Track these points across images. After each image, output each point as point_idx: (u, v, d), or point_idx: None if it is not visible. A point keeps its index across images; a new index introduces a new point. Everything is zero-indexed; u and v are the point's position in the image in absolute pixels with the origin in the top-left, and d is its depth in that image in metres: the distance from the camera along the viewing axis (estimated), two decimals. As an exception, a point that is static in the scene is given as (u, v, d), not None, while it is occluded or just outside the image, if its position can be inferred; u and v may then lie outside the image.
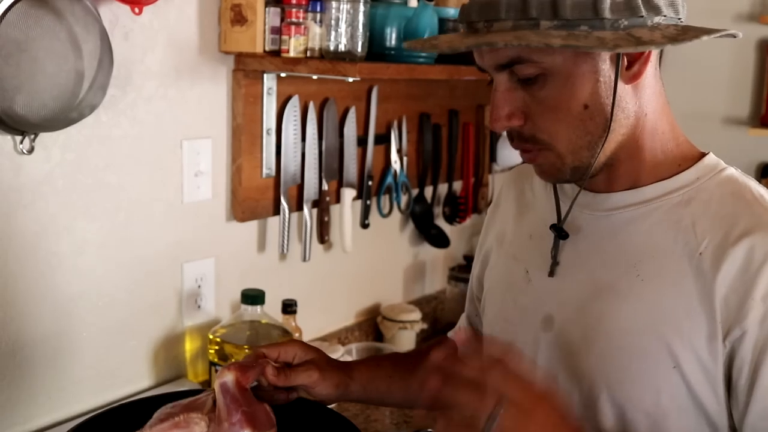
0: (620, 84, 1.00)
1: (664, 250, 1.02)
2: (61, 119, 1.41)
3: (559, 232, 1.10)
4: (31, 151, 1.42)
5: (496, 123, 1.02)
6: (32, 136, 1.42)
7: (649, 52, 1.01)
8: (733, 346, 0.97)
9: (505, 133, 2.74)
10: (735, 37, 1.02)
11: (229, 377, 1.12)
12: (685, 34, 0.97)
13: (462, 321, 1.42)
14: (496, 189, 2.73)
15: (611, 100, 1.00)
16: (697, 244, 1.00)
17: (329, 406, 1.32)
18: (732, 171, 1.06)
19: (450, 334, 1.43)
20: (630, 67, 1.00)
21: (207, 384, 1.78)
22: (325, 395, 1.23)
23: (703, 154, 1.08)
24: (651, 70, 1.03)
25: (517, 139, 1.03)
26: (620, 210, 1.07)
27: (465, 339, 0.97)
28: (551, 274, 1.10)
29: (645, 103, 1.04)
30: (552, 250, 1.11)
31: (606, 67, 0.99)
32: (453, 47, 1.00)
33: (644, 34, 0.96)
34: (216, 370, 1.70)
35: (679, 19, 1.00)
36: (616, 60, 0.99)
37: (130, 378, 1.71)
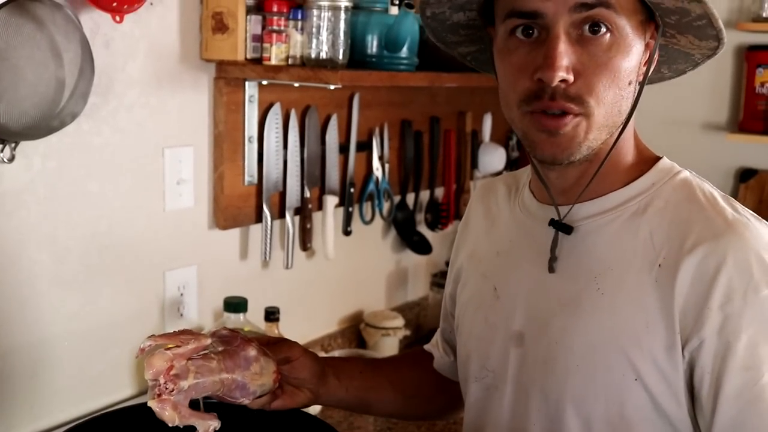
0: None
1: (624, 263, 1.02)
2: (42, 127, 1.41)
3: (560, 226, 1.08)
4: (11, 159, 1.42)
5: (554, 72, 0.95)
6: (13, 145, 1.41)
7: (657, 56, 1.03)
8: (692, 355, 0.97)
9: (486, 140, 2.74)
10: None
11: (219, 328, 1.14)
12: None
13: (437, 336, 1.41)
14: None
15: (639, 89, 1.01)
16: (655, 255, 1.00)
17: (313, 414, 1.31)
18: (686, 174, 1.06)
19: (427, 347, 1.42)
20: (648, 63, 1.03)
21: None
22: (308, 371, 1.22)
23: (657, 158, 1.08)
24: None
25: (561, 96, 0.97)
26: (582, 221, 1.06)
27: None
28: (551, 269, 1.08)
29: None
30: (551, 246, 1.08)
31: (643, 54, 1.01)
32: None
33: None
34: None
35: None
36: (647, 51, 1.01)
37: (113, 387, 1.70)
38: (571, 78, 0.96)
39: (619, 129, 1.02)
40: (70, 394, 1.62)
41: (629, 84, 0.99)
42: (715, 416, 0.96)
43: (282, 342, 1.22)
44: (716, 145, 2.88)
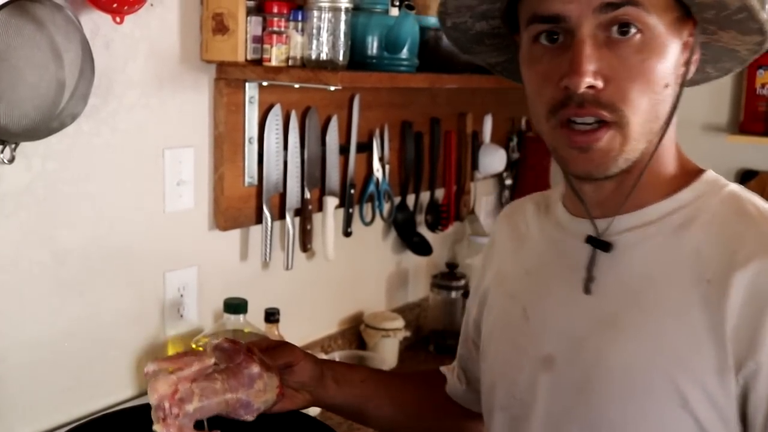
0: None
1: (667, 279, 0.95)
2: (42, 129, 1.41)
3: (598, 244, 1.01)
4: (11, 160, 1.41)
5: (581, 78, 0.89)
6: (13, 146, 1.41)
7: (698, 55, 0.98)
8: (747, 381, 0.89)
9: (487, 142, 2.74)
10: None
11: (220, 340, 1.13)
12: None
13: (456, 359, 1.36)
14: (478, 197, 2.74)
15: (677, 92, 0.95)
16: (702, 270, 0.92)
17: (312, 415, 1.31)
18: (734, 187, 1.00)
19: (442, 368, 1.38)
20: (687, 64, 0.97)
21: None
22: (307, 374, 1.21)
23: (701, 171, 1.02)
24: None
25: (591, 103, 0.91)
26: (621, 235, 1.00)
27: None
28: (587, 291, 1.00)
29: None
30: (587, 264, 1.01)
31: (680, 54, 0.95)
32: None
33: None
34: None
35: None
36: (686, 50, 0.96)
37: (113, 388, 1.70)
38: (600, 84, 0.90)
39: (659, 135, 0.96)
40: (70, 395, 1.62)
41: (666, 87, 0.93)
42: None
43: (282, 347, 1.21)
44: (717, 147, 2.88)
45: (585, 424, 0.98)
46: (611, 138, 0.92)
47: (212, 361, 1.09)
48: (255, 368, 1.11)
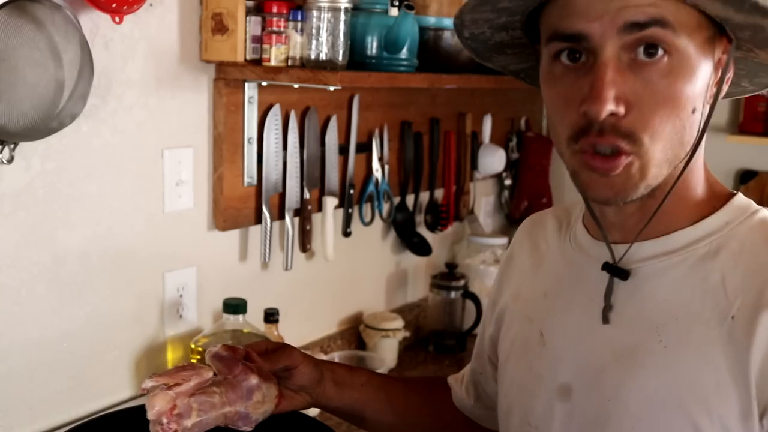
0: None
1: (690, 312, 0.89)
2: (41, 129, 1.41)
3: (615, 271, 0.95)
4: (10, 160, 1.41)
5: (601, 106, 0.83)
6: (12, 146, 1.41)
7: (732, 73, 0.92)
8: None
9: (486, 142, 2.74)
10: None
11: (218, 348, 1.13)
12: None
13: (466, 373, 1.32)
14: (477, 198, 2.74)
15: (706, 114, 0.89)
16: (728, 305, 0.87)
17: (312, 416, 1.31)
18: (765, 213, 0.94)
19: (450, 379, 1.35)
20: (719, 84, 0.91)
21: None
22: (306, 377, 1.20)
23: (732, 194, 0.96)
24: None
25: (610, 131, 0.85)
26: (643, 263, 0.94)
27: None
28: (605, 320, 0.96)
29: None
30: (606, 293, 0.96)
31: (712, 75, 0.89)
32: None
33: None
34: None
35: None
36: (718, 70, 0.90)
37: (112, 388, 1.69)
38: (621, 110, 0.85)
39: (685, 160, 0.91)
40: (69, 395, 1.61)
41: (693, 112, 0.87)
42: None
43: (281, 350, 1.20)
44: (716, 147, 2.86)
45: None
46: (629, 166, 0.87)
47: (210, 374, 1.09)
48: (253, 380, 1.11)
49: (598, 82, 0.84)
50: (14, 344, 1.51)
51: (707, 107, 0.90)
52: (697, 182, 0.95)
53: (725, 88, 0.92)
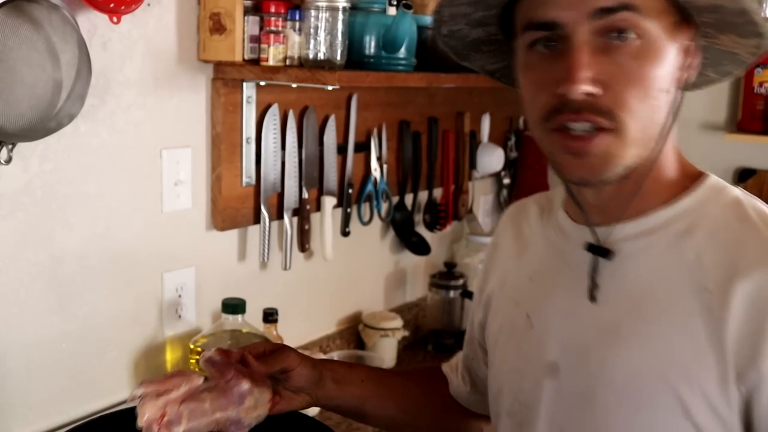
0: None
1: (669, 287, 0.94)
2: (39, 129, 1.40)
3: (599, 251, 1.00)
4: (8, 161, 1.41)
5: (576, 85, 0.88)
6: (10, 146, 1.41)
7: (699, 60, 0.97)
8: (750, 391, 0.88)
9: (485, 141, 2.74)
10: None
11: (212, 352, 1.13)
12: None
13: (459, 361, 1.35)
14: (476, 197, 2.74)
15: (677, 97, 0.94)
16: (704, 279, 0.92)
17: (311, 415, 1.31)
18: (736, 192, 0.98)
19: (445, 368, 1.38)
20: (686, 69, 0.96)
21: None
22: (304, 379, 1.20)
23: (703, 174, 1.01)
24: None
25: (587, 110, 0.90)
26: (623, 243, 0.99)
27: None
28: (592, 299, 1.00)
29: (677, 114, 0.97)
30: (590, 272, 1.00)
31: (679, 58, 0.94)
32: None
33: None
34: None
35: None
36: (686, 55, 0.94)
37: (111, 389, 1.69)
38: (597, 91, 0.89)
39: (659, 142, 0.95)
40: (69, 395, 1.61)
41: (664, 92, 0.92)
42: None
43: (278, 352, 1.20)
44: (715, 145, 2.88)
45: (590, 431, 0.98)
46: (609, 143, 0.91)
47: (201, 380, 1.09)
48: (245, 385, 1.11)
49: (572, 64, 0.89)
50: (13, 345, 1.51)
51: (676, 92, 0.95)
52: (670, 164, 1.00)
53: (693, 73, 0.97)
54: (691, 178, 1.00)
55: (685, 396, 0.90)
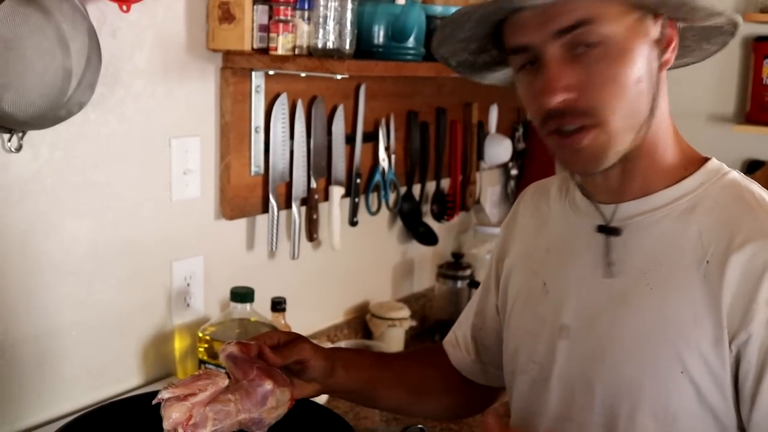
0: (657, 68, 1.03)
1: (672, 259, 1.04)
2: (49, 117, 1.41)
3: (608, 231, 1.10)
4: (19, 149, 1.42)
5: (553, 95, 0.99)
6: (20, 134, 1.41)
7: (676, 42, 1.05)
8: (739, 350, 0.99)
9: (492, 132, 2.74)
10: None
11: (233, 347, 1.14)
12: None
13: (460, 333, 1.42)
14: (483, 187, 2.74)
15: (655, 82, 1.03)
16: (703, 252, 1.02)
17: (320, 403, 1.32)
18: (735, 175, 1.08)
19: (445, 344, 1.43)
20: (662, 53, 1.04)
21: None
22: (318, 371, 1.21)
23: (705, 159, 1.10)
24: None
25: (570, 114, 1.01)
26: (631, 219, 1.09)
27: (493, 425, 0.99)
28: (610, 275, 1.10)
29: (663, 96, 1.06)
30: (604, 251, 1.11)
31: (650, 48, 1.02)
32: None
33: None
34: (205, 368, 1.70)
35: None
36: (657, 43, 1.03)
37: (120, 376, 1.70)
38: (572, 96, 0.99)
39: (646, 125, 1.04)
40: (78, 383, 1.62)
41: (638, 83, 1.01)
42: (755, 405, 0.99)
43: (292, 343, 1.20)
44: (723, 137, 2.87)
45: (597, 387, 1.08)
46: (595, 137, 1.01)
47: (226, 381, 1.10)
48: (268, 385, 1.12)
49: (546, 78, 1.00)
50: (22, 332, 1.51)
51: (654, 77, 1.03)
52: (668, 147, 1.09)
53: (672, 56, 1.05)
54: (693, 162, 1.10)
55: (683, 354, 1.01)
